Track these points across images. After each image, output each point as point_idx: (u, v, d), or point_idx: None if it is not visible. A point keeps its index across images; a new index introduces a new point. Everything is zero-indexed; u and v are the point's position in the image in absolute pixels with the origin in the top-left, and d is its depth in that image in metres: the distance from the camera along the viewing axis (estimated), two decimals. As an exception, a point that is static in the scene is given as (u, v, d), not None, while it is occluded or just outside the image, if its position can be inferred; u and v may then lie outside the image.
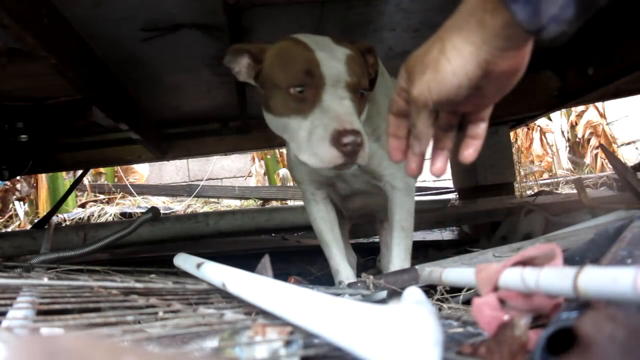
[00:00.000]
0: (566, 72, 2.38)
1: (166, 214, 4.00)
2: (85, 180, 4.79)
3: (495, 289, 0.57)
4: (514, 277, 0.55)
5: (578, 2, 0.55)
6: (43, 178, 4.79)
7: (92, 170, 4.86)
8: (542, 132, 6.26)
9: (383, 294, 1.11)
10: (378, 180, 1.38)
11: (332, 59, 1.07)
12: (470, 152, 0.74)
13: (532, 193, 3.33)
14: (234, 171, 6.26)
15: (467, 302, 1.03)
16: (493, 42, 0.61)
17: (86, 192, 5.11)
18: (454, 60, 0.64)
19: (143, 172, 5.89)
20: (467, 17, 0.63)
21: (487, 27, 0.61)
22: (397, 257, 1.36)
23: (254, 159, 6.07)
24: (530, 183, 4.41)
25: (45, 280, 0.85)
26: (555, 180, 4.66)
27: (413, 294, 0.72)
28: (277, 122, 1.11)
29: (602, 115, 5.90)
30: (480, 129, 0.74)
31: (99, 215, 4.35)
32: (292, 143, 1.09)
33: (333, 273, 1.44)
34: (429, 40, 0.68)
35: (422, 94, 0.68)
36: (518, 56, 0.63)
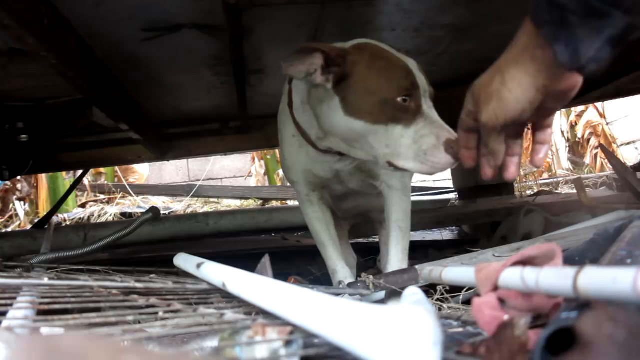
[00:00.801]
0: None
1: (166, 214, 4.00)
2: (85, 180, 4.79)
3: (495, 288, 0.57)
4: (513, 276, 0.55)
5: (612, 43, 0.64)
6: (43, 178, 4.78)
7: (92, 170, 4.86)
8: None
9: (382, 294, 1.11)
10: (374, 180, 1.38)
11: (416, 69, 1.13)
12: (540, 156, 0.84)
13: (532, 193, 3.33)
14: (234, 171, 6.26)
15: (467, 302, 1.03)
16: (547, 72, 0.70)
17: (86, 192, 5.11)
18: (514, 90, 0.73)
19: (143, 172, 5.88)
20: (521, 51, 0.72)
21: (539, 60, 0.70)
22: (395, 257, 1.36)
23: (254, 159, 6.06)
24: (530, 183, 4.41)
25: (46, 280, 0.85)
26: (555, 180, 4.66)
27: (413, 294, 0.73)
28: (365, 128, 1.09)
29: (602, 115, 5.90)
30: (547, 134, 0.84)
31: (99, 215, 4.35)
32: (384, 150, 1.09)
33: (330, 273, 1.44)
34: (489, 70, 0.78)
35: (491, 120, 0.77)
36: (573, 76, 0.71)
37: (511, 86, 0.73)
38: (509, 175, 0.86)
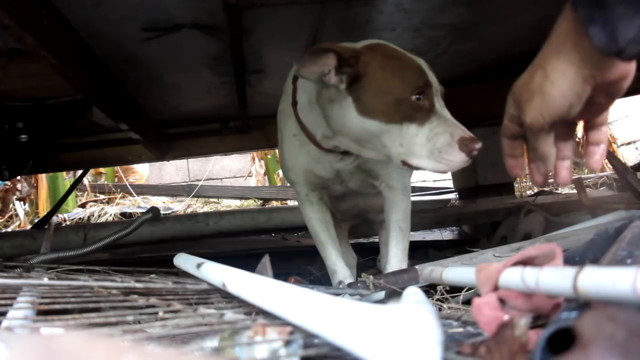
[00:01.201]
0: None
1: (166, 214, 4.00)
2: (85, 180, 4.79)
3: (496, 288, 0.57)
4: (514, 276, 0.55)
5: None
6: (43, 178, 4.78)
7: (92, 170, 4.85)
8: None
9: (382, 294, 1.11)
10: (375, 180, 1.38)
11: (427, 68, 1.13)
12: (597, 158, 0.76)
13: (532, 193, 3.33)
14: (234, 171, 6.26)
15: (467, 302, 1.03)
16: (592, 60, 0.63)
17: (86, 192, 5.11)
18: (559, 82, 0.66)
19: (143, 172, 5.88)
20: (562, 41, 0.65)
21: (583, 47, 0.63)
22: (395, 257, 1.36)
23: (254, 159, 6.06)
24: (530, 183, 4.41)
25: (45, 280, 0.85)
26: (555, 180, 4.65)
27: (413, 294, 0.72)
28: (379, 128, 1.09)
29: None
30: (602, 132, 0.76)
31: (99, 215, 4.35)
32: (398, 149, 1.09)
33: (330, 273, 1.44)
34: (529, 68, 0.71)
35: (537, 120, 0.70)
36: (624, 64, 0.64)
37: (554, 79, 0.66)
38: (561, 181, 0.79)
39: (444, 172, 1.09)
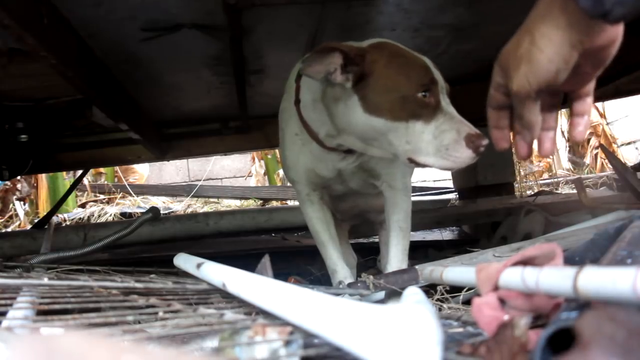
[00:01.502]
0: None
1: (166, 214, 4.00)
2: (85, 180, 4.79)
3: (496, 288, 0.57)
4: (514, 276, 0.55)
5: None
6: (43, 178, 4.78)
7: (92, 170, 4.86)
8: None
9: (382, 294, 1.11)
10: (376, 179, 1.38)
11: (432, 66, 1.13)
12: (580, 129, 0.75)
13: (532, 193, 3.33)
14: (234, 171, 6.26)
15: (467, 302, 1.03)
16: (580, 24, 0.62)
17: (86, 192, 5.11)
18: (546, 48, 0.65)
19: (143, 172, 5.88)
20: (549, 5, 0.64)
21: (571, 11, 0.62)
22: (395, 257, 1.36)
23: (254, 159, 6.06)
24: (530, 183, 4.41)
25: (45, 280, 0.85)
26: (555, 180, 4.66)
27: (413, 294, 0.72)
28: (386, 126, 1.09)
29: (602, 115, 5.90)
30: (587, 104, 0.75)
31: (99, 215, 4.35)
32: (404, 146, 1.09)
33: (330, 273, 1.44)
34: (516, 34, 0.70)
35: (523, 87, 0.69)
36: (611, 28, 0.64)
37: (542, 44, 0.65)
38: (544, 152, 0.79)
39: (451, 169, 1.10)
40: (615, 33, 0.65)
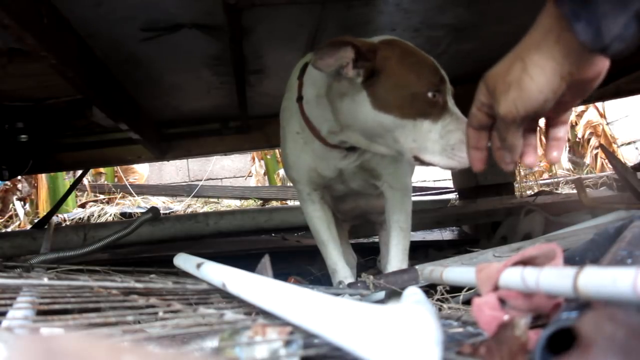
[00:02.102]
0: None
1: (166, 214, 4.00)
2: (85, 180, 4.79)
3: (496, 288, 0.57)
4: (514, 276, 0.55)
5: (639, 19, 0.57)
6: (43, 178, 4.78)
7: (92, 170, 4.86)
8: (542, 132, 6.25)
9: (382, 294, 1.11)
10: (376, 180, 1.38)
11: (439, 67, 1.14)
12: (555, 154, 0.79)
13: (532, 193, 3.33)
14: (234, 171, 6.26)
15: (467, 302, 1.03)
16: (573, 57, 0.64)
17: (86, 192, 5.11)
18: (537, 77, 0.67)
19: (143, 172, 5.88)
20: (544, 35, 0.65)
21: (566, 43, 0.63)
22: (395, 257, 1.36)
23: (254, 159, 6.06)
24: (530, 183, 4.41)
25: (45, 280, 0.85)
26: (555, 180, 4.66)
27: (413, 294, 0.72)
28: (394, 122, 1.10)
29: (602, 115, 5.90)
30: (562, 131, 0.79)
31: (99, 215, 4.35)
32: (410, 144, 1.10)
33: (330, 273, 1.44)
34: (507, 58, 0.71)
35: (510, 112, 0.71)
36: (600, 62, 0.66)
37: (533, 73, 0.67)
38: (528, 163, 0.82)
39: (454, 168, 1.10)
40: (603, 66, 0.67)
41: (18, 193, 4.76)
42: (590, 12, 0.59)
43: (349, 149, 1.28)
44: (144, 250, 2.56)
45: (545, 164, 6.01)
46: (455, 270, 0.85)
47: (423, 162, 1.11)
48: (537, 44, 0.66)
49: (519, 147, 0.76)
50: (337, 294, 1.01)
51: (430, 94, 1.08)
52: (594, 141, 5.91)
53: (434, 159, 1.09)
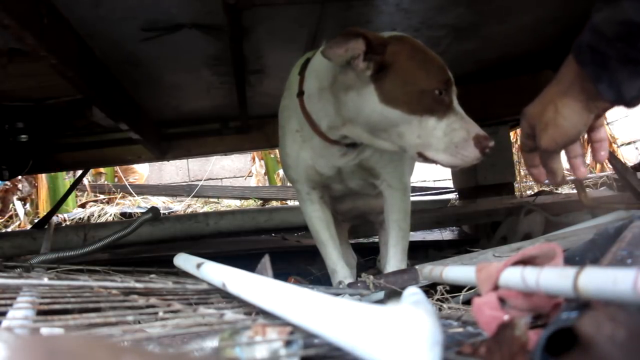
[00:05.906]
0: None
1: (166, 214, 4.00)
2: (85, 180, 4.79)
3: (496, 288, 0.57)
4: (514, 276, 0.55)
5: None
6: (43, 178, 4.78)
7: (92, 170, 4.85)
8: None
9: (381, 294, 1.11)
10: (375, 179, 1.38)
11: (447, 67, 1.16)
12: (602, 153, 0.92)
13: (532, 193, 3.32)
14: (234, 171, 6.26)
15: (467, 302, 1.03)
16: (597, 99, 0.78)
17: (86, 192, 5.11)
18: (569, 117, 0.82)
19: (143, 172, 5.88)
20: (570, 85, 0.81)
21: (589, 92, 0.78)
22: (394, 257, 1.36)
23: (254, 159, 6.06)
24: (530, 183, 4.40)
25: (45, 280, 0.85)
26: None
27: (413, 294, 0.72)
28: (400, 118, 1.10)
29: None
30: (602, 132, 0.91)
31: (99, 215, 4.35)
32: (415, 140, 1.11)
33: (330, 273, 1.44)
34: (539, 100, 0.87)
35: (550, 145, 0.87)
36: None
37: (566, 114, 0.82)
38: (579, 175, 0.93)
39: (458, 166, 1.12)
40: None
41: (18, 193, 4.76)
42: (610, 76, 0.72)
43: (349, 145, 1.28)
44: (144, 250, 2.56)
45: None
46: (455, 270, 0.85)
47: (426, 159, 1.12)
48: (564, 91, 0.81)
49: (560, 169, 0.92)
50: (337, 294, 1.01)
51: (437, 92, 1.09)
52: (594, 141, 5.89)
53: (438, 156, 1.10)
